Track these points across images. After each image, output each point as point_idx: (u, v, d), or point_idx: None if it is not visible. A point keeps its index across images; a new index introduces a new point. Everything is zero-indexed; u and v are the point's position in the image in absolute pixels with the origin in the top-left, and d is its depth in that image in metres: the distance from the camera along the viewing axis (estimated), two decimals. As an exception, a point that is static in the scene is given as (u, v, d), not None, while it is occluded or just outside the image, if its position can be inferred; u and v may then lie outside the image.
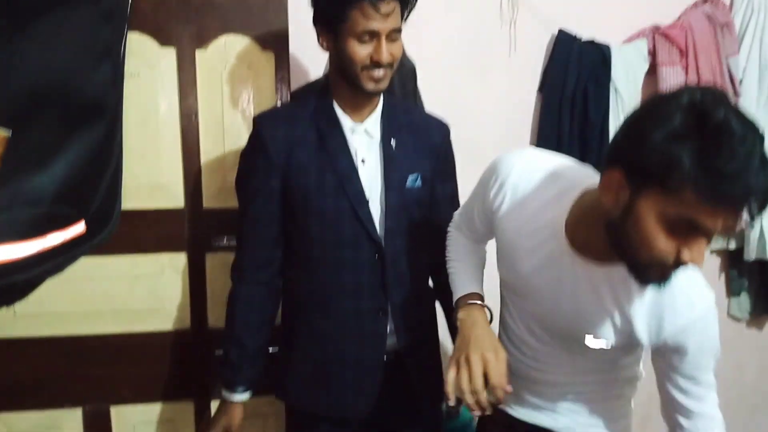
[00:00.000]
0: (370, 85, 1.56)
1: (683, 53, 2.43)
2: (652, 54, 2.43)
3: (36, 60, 0.69)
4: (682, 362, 1.25)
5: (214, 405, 2.12)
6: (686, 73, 2.42)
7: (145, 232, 2.05)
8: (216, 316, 2.10)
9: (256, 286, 1.73)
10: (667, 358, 1.27)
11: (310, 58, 2.22)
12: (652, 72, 2.45)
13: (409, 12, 1.57)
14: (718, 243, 2.60)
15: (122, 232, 2.01)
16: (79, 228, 0.78)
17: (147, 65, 2.02)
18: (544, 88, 2.47)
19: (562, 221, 1.25)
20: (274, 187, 1.65)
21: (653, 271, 1.09)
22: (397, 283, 1.67)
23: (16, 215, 0.69)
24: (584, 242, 1.22)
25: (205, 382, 2.12)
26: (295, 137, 1.63)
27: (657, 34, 2.44)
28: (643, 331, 1.24)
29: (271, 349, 1.81)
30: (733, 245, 2.59)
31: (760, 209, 0.98)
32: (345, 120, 1.65)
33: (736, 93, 2.45)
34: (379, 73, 1.54)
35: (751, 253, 2.53)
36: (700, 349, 1.24)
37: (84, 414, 2.09)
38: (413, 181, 1.66)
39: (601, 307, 1.25)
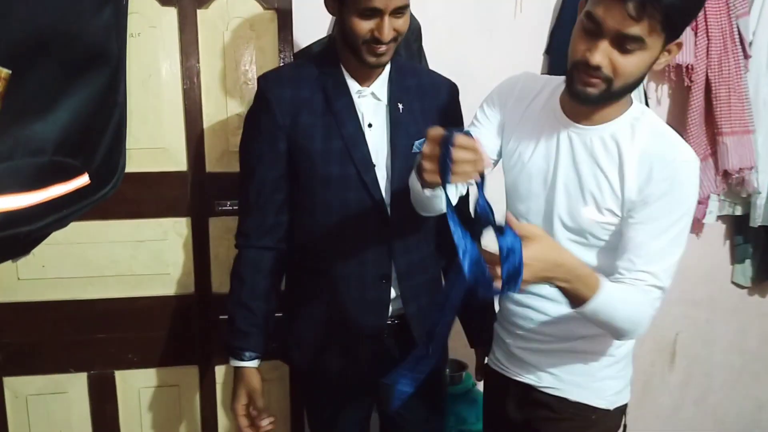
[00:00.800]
0: (371, 59, 1.51)
1: (693, 14, 2.39)
2: (661, 15, 2.38)
3: (36, 1, 0.65)
4: (644, 212, 1.28)
5: (219, 370, 2.14)
6: (695, 34, 2.37)
7: (148, 197, 2.02)
8: (219, 281, 2.09)
9: (263, 251, 1.68)
10: (633, 216, 1.30)
11: (314, 18, 2.17)
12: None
13: None
14: (724, 209, 2.57)
15: (125, 196, 2.02)
16: (82, 180, 0.76)
17: (148, 25, 1.97)
18: (550, 50, 2.42)
19: (557, 99, 1.40)
20: (280, 150, 1.61)
21: (577, 78, 1.25)
22: (402, 250, 1.65)
23: (18, 165, 0.66)
24: (577, 109, 1.34)
25: (209, 347, 2.11)
26: (301, 99, 1.59)
27: (666, -6, 2.38)
28: (632, 183, 1.29)
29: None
30: (739, 211, 2.57)
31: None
32: (352, 83, 1.61)
33: (746, 55, 2.41)
34: (381, 48, 1.48)
35: (757, 219, 2.51)
36: (670, 195, 1.26)
37: (89, 379, 2.09)
38: (420, 145, 1.63)
39: (597, 167, 1.32)
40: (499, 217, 1.09)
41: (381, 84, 1.63)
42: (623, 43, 1.17)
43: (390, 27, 1.45)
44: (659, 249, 1.27)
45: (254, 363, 1.67)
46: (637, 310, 1.27)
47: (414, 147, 1.62)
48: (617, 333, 1.29)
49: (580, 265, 1.18)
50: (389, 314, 1.68)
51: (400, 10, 1.46)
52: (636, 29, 1.15)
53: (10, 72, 0.56)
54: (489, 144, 1.50)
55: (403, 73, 1.67)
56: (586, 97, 1.25)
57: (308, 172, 1.61)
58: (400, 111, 1.62)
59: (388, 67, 1.63)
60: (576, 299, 1.19)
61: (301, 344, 1.75)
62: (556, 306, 1.42)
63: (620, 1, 1.12)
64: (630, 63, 1.20)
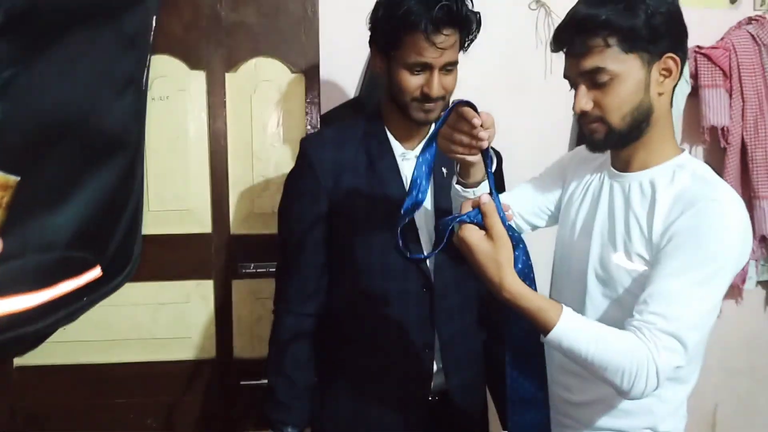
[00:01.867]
0: (420, 116, 1.48)
1: (727, 75, 2.34)
2: (694, 76, 2.34)
3: (55, 87, 0.63)
4: (667, 248, 1.15)
5: (240, 437, 2.07)
6: (730, 96, 2.32)
7: (172, 258, 2.00)
8: (241, 346, 2.05)
9: (305, 318, 1.60)
10: (658, 258, 1.16)
11: (341, 80, 2.17)
12: (695, 94, 2.36)
13: (470, 42, 1.48)
14: (764, 274, 2.48)
15: (148, 258, 1.97)
16: (94, 273, 0.73)
17: (176, 88, 1.99)
18: (580, 110, 2.39)
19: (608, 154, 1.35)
20: (321, 212, 1.56)
21: (584, 130, 1.26)
22: (445, 317, 1.57)
23: (28, 263, 0.63)
24: (619, 158, 1.30)
25: (231, 413, 2.06)
26: (343, 160, 1.55)
27: (699, 54, 2.34)
28: (660, 221, 1.18)
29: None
30: (779, 276, 2.48)
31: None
32: (396, 145, 1.56)
33: (782, 117, 2.35)
34: (429, 105, 1.46)
35: (799, 285, 2.41)
36: (696, 232, 1.12)
37: (107, 444, 2.04)
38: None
39: (630, 211, 1.25)
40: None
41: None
42: (593, 80, 1.17)
43: (440, 83, 1.43)
44: (679, 290, 1.10)
45: None
46: (617, 350, 1.09)
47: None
48: (600, 378, 1.13)
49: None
50: (432, 388, 1.59)
51: (450, 66, 1.44)
52: (589, 62, 1.17)
53: (18, 179, 0.53)
54: (547, 195, 1.47)
55: None
56: (596, 143, 1.25)
57: (350, 234, 1.56)
58: (444, 175, 1.58)
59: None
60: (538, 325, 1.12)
61: (336, 418, 1.64)
62: (586, 384, 1.32)
63: (562, 48, 1.22)
64: (612, 94, 1.17)
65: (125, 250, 0.81)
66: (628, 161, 1.28)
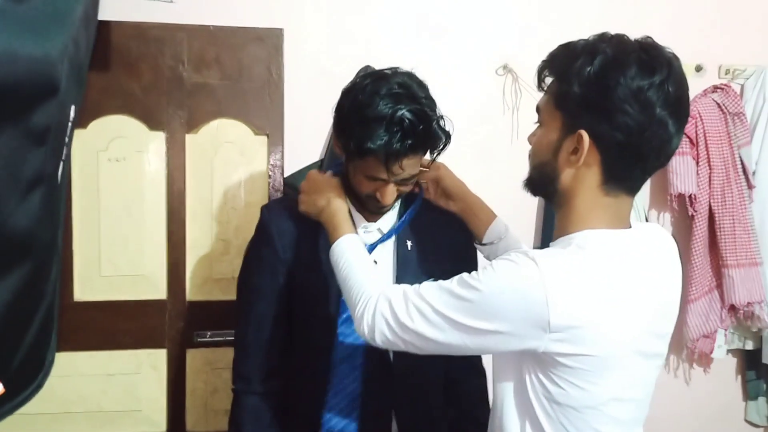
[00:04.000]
0: (374, 209, 1.42)
1: (693, 142, 2.34)
2: (661, 143, 2.34)
3: None
4: None
5: None
6: (697, 163, 2.32)
7: (123, 326, 1.91)
8: (195, 420, 1.95)
9: (266, 398, 1.50)
10: None
11: (306, 143, 2.12)
12: (662, 161, 2.36)
13: (439, 153, 1.38)
14: (734, 342, 2.44)
15: (98, 326, 1.92)
16: (-4, 390, 0.65)
17: (134, 149, 1.93)
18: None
19: None
20: (281, 284, 1.47)
21: None
22: (407, 401, 1.48)
23: None
24: None
25: (181, 492, 1.95)
26: (303, 232, 1.47)
27: (666, 122, 2.35)
28: None
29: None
30: (750, 345, 2.44)
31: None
32: (357, 218, 1.49)
33: (749, 185, 2.35)
34: (380, 205, 1.39)
35: (768, 355, 2.38)
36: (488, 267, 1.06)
37: None
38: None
39: None
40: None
41: (389, 219, 1.53)
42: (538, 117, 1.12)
43: (393, 193, 1.36)
44: (439, 287, 1.09)
45: None
46: (363, 281, 1.20)
47: None
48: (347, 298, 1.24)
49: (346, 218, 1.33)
50: None
51: (410, 179, 1.37)
52: (540, 101, 1.10)
53: None
54: None
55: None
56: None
57: (307, 310, 1.48)
58: (408, 248, 1.52)
59: (398, 203, 1.53)
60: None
61: None
62: None
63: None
64: (536, 138, 1.11)
65: (36, 358, 0.73)
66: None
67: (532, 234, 2.44)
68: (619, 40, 1.04)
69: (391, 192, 1.35)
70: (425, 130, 1.27)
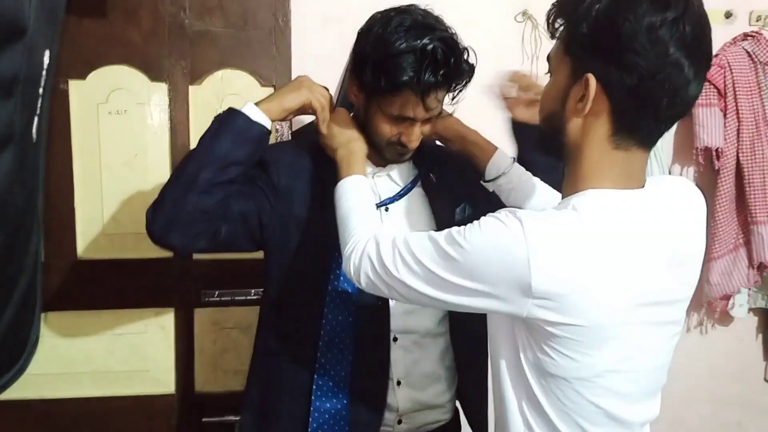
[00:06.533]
0: (393, 157, 1.36)
1: (721, 93, 2.23)
2: (687, 93, 2.23)
3: None
4: None
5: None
6: (725, 115, 2.21)
7: (128, 285, 1.86)
8: (204, 380, 1.91)
9: None
10: None
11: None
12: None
13: (459, 93, 1.32)
14: (757, 301, 2.37)
15: (103, 285, 1.86)
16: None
17: (135, 101, 1.85)
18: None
19: None
20: (267, 208, 1.34)
21: None
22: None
23: None
24: None
25: (192, 451, 1.92)
26: (301, 166, 1.38)
27: (692, 71, 2.24)
28: None
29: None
30: (772, 303, 2.37)
31: None
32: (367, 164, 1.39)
33: (779, 137, 2.25)
34: (405, 149, 1.33)
35: (792, 311, 2.31)
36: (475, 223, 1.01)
37: (58, 485, 1.89)
38: (461, 212, 1.45)
39: None
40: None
41: (403, 166, 1.45)
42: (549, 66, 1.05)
43: (420, 134, 1.30)
44: (428, 237, 1.03)
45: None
46: (360, 222, 1.18)
47: (456, 215, 1.44)
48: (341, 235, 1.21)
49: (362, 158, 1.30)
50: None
51: (430, 120, 1.32)
52: (552, 49, 1.03)
53: None
54: None
55: (430, 147, 1.49)
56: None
57: (299, 244, 1.36)
58: (434, 181, 1.44)
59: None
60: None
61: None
62: None
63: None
64: (545, 88, 1.04)
65: (17, 340, 0.66)
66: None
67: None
68: None
69: (417, 133, 1.29)
70: (456, 60, 1.24)
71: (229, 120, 1.29)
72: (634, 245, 0.95)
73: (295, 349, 1.40)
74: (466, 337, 1.44)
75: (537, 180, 1.40)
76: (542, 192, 1.40)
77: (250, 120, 1.28)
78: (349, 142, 1.33)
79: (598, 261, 0.92)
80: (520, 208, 1.21)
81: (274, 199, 1.36)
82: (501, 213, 0.97)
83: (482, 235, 0.96)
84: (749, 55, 2.25)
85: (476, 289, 0.96)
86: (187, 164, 1.29)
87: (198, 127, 1.87)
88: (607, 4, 0.92)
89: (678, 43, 0.89)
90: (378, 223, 1.21)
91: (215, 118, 1.31)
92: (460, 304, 1.00)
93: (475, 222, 0.99)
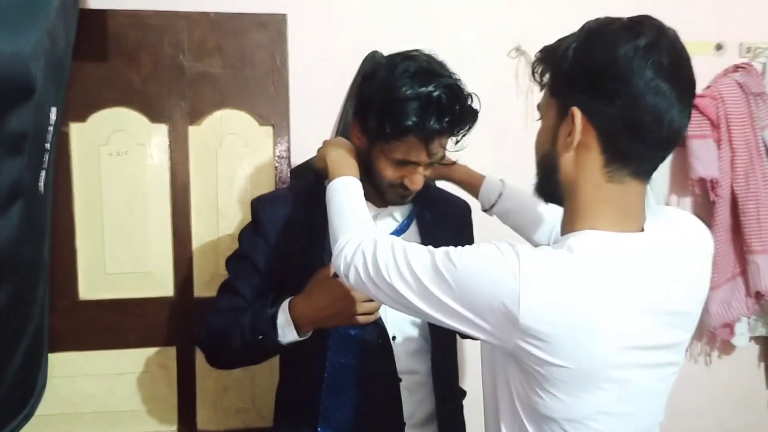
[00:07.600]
0: (395, 200, 1.37)
1: (715, 125, 2.26)
2: (681, 125, 2.25)
3: None
4: None
5: None
6: (719, 146, 2.24)
7: (130, 325, 1.87)
8: (206, 418, 1.91)
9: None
10: None
11: (312, 133, 2.06)
12: (682, 145, 2.27)
13: (462, 137, 1.32)
14: (757, 329, 2.37)
15: (104, 325, 1.87)
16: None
17: (136, 142, 1.88)
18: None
19: None
20: (273, 269, 1.40)
21: None
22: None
23: None
24: None
25: (193, 491, 1.91)
26: (295, 218, 1.41)
27: (685, 103, 2.26)
28: None
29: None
30: (773, 331, 2.37)
31: None
32: (368, 206, 1.42)
33: (773, 167, 2.27)
34: (407, 192, 1.34)
35: (793, 340, 2.31)
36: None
37: None
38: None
39: None
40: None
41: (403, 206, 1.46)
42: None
43: (422, 178, 1.31)
44: (426, 250, 1.03)
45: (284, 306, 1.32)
46: (353, 219, 1.18)
47: None
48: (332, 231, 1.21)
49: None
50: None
51: (433, 164, 1.33)
52: (541, 98, 1.05)
53: None
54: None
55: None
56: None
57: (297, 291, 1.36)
58: (429, 219, 1.46)
59: None
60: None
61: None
62: None
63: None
64: (537, 134, 1.05)
65: (24, 386, 0.68)
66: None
67: (548, 222, 2.36)
68: (607, 16, 0.98)
69: (420, 177, 1.30)
70: (461, 107, 1.24)
71: (264, 341, 1.30)
72: (629, 292, 0.94)
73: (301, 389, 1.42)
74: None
75: (535, 199, 1.41)
76: (543, 210, 1.44)
77: (281, 345, 1.30)
78: (339, 156, 1.33)
79: (588, 306, 0.91)
80: (524, 229, 1.25)
81: (273, 261, 1.40)
82: (502, 244, 0.97)
83: (479, 259, 0.96)
84: (740, 87, 2.28)
85: (460, 312, 0.96)
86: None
87: (198, 165, 1.89)
88: (583, 40, 0.96)
89: (655, 68, 0.91)
90: (373, 225, 1.18)
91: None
92: (446, 323, 1.00)
93: (474, 245, 0.99)
